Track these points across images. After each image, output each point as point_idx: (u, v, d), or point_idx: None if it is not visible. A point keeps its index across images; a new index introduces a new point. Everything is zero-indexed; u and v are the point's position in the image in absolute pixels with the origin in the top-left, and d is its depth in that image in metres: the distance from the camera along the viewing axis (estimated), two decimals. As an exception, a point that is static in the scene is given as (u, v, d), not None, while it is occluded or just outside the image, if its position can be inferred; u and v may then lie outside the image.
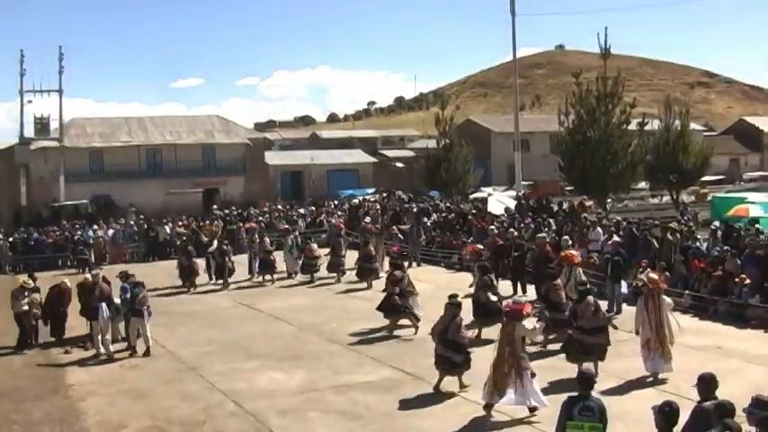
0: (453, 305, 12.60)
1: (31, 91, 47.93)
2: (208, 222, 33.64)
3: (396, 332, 16.76)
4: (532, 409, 11.03)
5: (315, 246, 25.24)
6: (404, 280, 17.28)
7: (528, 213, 28.46)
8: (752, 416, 6.56)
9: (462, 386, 12.39)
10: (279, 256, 25.50)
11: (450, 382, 12.46)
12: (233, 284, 24.26)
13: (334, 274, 24.20)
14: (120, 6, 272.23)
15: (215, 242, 25.83)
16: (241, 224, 32.25)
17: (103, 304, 15.93)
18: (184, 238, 29.25)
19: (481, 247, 19.67)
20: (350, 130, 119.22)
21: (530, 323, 11.72)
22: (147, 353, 15.85)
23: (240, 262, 25.79)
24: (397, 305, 16.90)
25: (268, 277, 24.63)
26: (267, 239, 25.40)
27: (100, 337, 15.93)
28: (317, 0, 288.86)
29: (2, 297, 24.37)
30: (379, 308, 17.19)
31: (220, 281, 24.17)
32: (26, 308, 16.95)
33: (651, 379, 12.52)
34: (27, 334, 17.02)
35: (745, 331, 15.89)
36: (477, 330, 15.54)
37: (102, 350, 15.83)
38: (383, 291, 17.69)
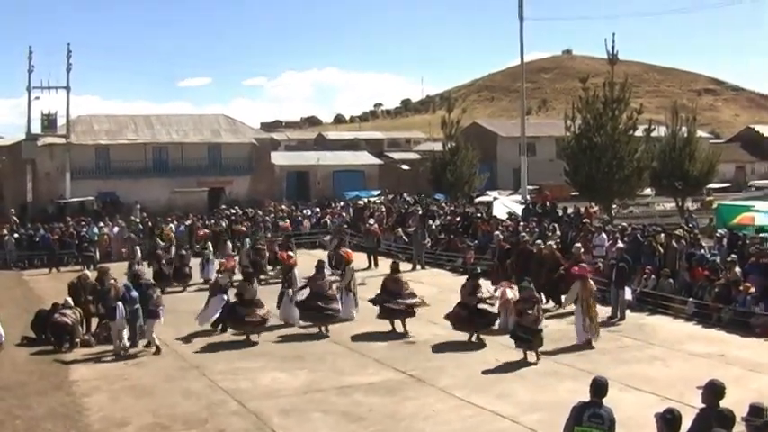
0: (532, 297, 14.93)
1: (38, 87, 47.88)
2: (164, 226, 32.58)
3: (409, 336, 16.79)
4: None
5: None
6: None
7: (533, 218, 28.44)
8: (749, 424, 6.57)
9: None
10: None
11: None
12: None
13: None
14: (128, 4, 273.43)
15: (173, 247, 25.80)
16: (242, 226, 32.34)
17: (120, 303, 15.87)
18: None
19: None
20: (356, 131, 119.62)
21: None
22: (157, 351, 15.87)
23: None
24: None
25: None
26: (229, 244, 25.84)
27: (124, 334, 15.94)
28: (326, 1, 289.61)
29: (6, 293, 24.54)
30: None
31: (176, 284, 24.19)
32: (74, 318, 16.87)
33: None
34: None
35: (748, 339, 15.89)
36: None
37: (121, 346, 15.79)
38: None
